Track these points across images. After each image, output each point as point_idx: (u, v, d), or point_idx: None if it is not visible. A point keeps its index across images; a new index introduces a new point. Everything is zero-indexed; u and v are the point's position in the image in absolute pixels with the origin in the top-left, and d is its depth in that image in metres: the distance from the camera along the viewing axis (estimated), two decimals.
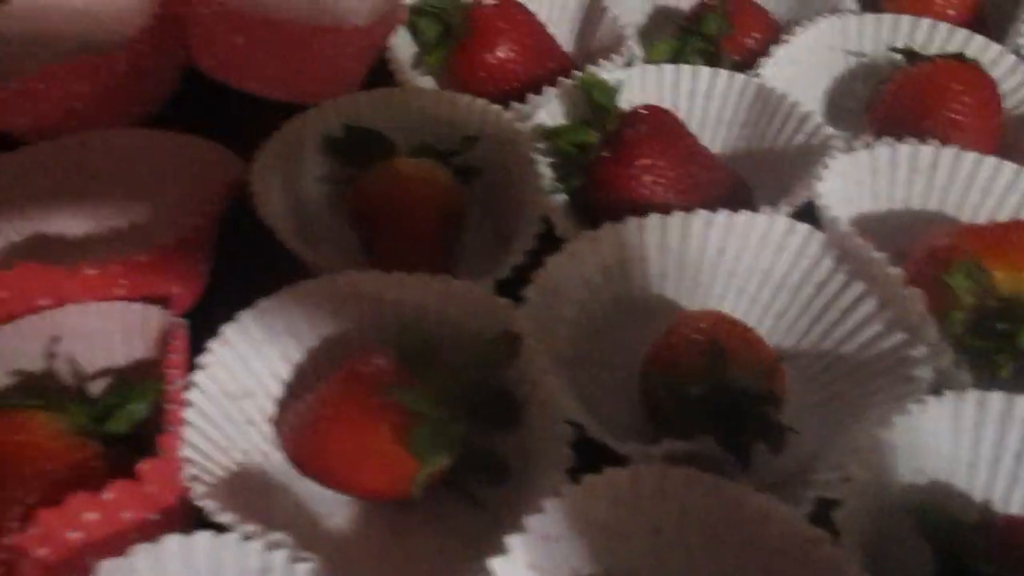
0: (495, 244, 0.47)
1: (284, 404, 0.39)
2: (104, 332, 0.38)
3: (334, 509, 0.37)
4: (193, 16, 0.49)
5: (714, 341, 0.36)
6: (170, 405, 0.33)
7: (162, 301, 0.40)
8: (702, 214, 0.42)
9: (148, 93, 0.51)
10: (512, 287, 0.40)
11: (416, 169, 0.45)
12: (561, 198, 0.47)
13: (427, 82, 0.56)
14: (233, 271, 0.45)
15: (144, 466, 0.30)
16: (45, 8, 0.54)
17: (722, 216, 0.42)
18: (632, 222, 0.42)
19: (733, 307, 0.43)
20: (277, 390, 0.39)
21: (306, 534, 0.35)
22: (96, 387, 0.38)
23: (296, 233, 0.44)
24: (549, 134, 0.48)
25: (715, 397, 0.35)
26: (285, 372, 0.39)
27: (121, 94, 0.49)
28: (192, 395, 0.35)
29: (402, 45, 0.56)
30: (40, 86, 0.46)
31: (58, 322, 0.38)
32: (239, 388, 0.37)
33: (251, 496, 0.35)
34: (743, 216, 0.42)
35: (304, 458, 0.36)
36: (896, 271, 0.39)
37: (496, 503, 0.35)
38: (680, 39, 0.57)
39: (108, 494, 0.30)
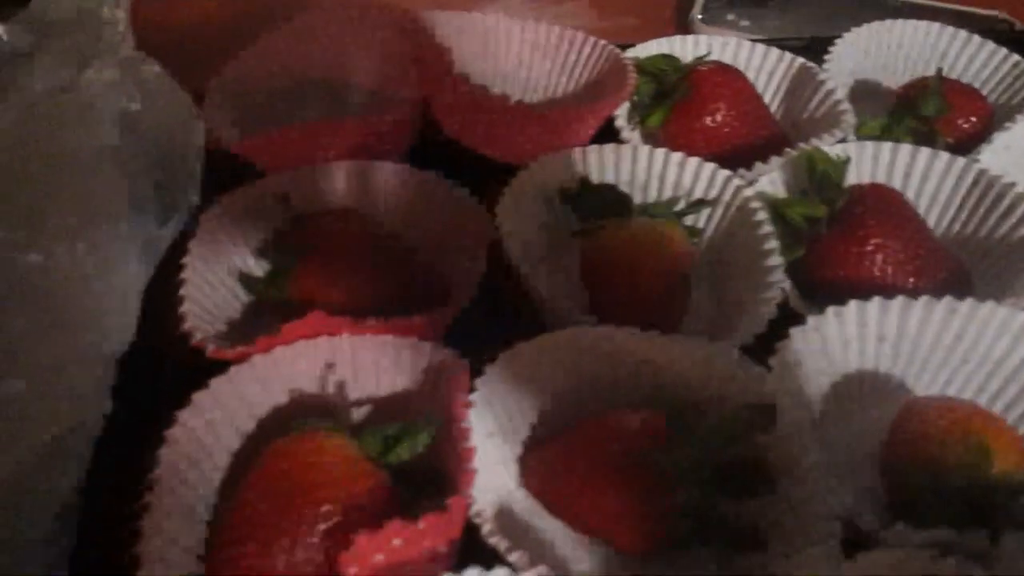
0: (720, 310, 0.48)
1: (530, 446, 0.40)
2: (375, 363, 0.40)
3: (579, 554, 0.38)
4: (446, 97, 0.53)
5: (976, 434, 0.37)
6: (463, 443, 0.35)
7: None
8: (947, 301, 0.42)
9: (393, 150, 0.54)
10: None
11: (657, 230, 0.46)
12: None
13: (637, 140, 0.58)
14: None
15: (451, 500, 0.32)
16: (297, 51, 0.58)
17: (965, 305, 0.42)
18: (877, 302, 0.42)
19: (959, 394, 0.44)
20: (524, 432, 0.41)
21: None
22: (363, 414, 0.40)
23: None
24: (779, 204, 0.49)
25: (973, 489, 0.36)
26: (532, 415, 0.41)
27: (372, 151, 0.51)
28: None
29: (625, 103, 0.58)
30: (305, 138, 0.49)
31: (333, 350, 0.40)
32: (495, 428, 0.39)
33: (510, 534, 0.37)
34: (986, 306, 0.43)
35: (560, 502, 0.38)
36: None
37: (743, 568, 0.36)
38: (892, 117, 0.58)
39: (420, 524, 0.31)
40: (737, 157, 0.54)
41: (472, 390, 0.38)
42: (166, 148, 0.48)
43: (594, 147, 0.52)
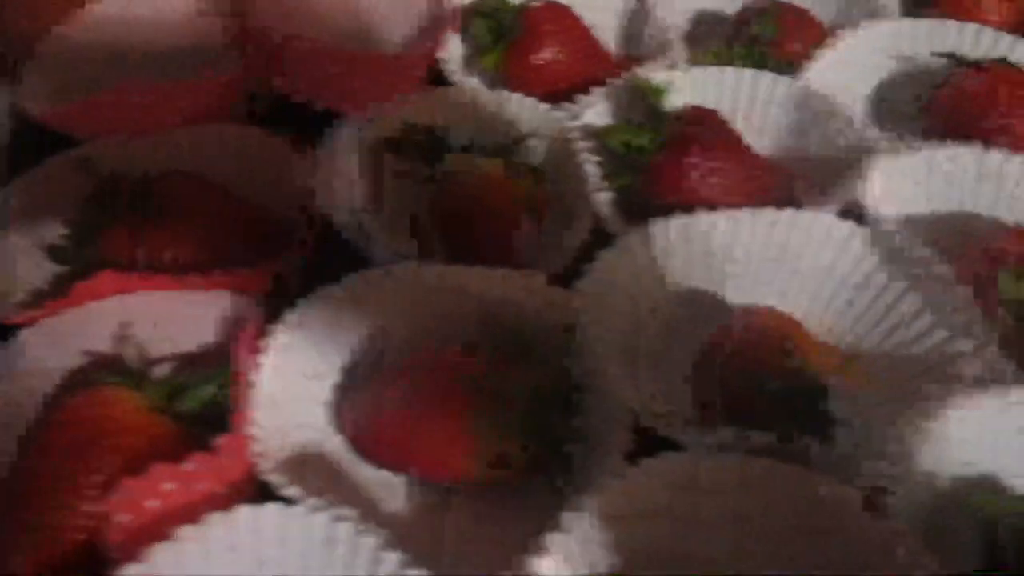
0: (544, 239, 0.48)
1: (347, 389, 0.40)
2: (175, 317, 0.39)
3: (393, 492, 0.38)
4: (285, 50, 0.51)
5: (774, 336, 0.37)
6: (240, 385, 0.34)
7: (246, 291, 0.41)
8: (748, 211, 0.43)
9: (223, 110, 0.52)
10: (565, 281, 0.41)
11: (481, 167, 0.46)
12: (609, 196, 0.48)
13: (477, 83, 0.57)
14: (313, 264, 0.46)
15: (220, 441, 0.32)
16: (122, 18, 0.56)
17: (768, 213, 0.43)
18: (681, 219, 0.43)
19: (780, 303, 0.44)
20: (339, 375, 0.40)
21: (365, 514, 0.36)
22: (166, 369, 0.39)
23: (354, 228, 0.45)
24: (600, 133, 0.49)
25: (773, 390, 0.36)
26: (347, 358, 0.40)
27: (198, 113, 0.50)
28: (259, 376, 0.36)
29: (454, 46, 0.57)
30: (122, 104, 0.48)
31: (129, 308, 0.39)
32: (303, 371, 0.39)
33: (313, 475, 0.37)
34: (789, 214, 0.43)
35: (370, 441, 0.37)
36: (944, 268, 0.40)
37: (558, 487, 0.36)
38: (726, 43, 0.58)
39: (187, 466, 0.31)
40: (571, 92, 0.53)
41: (272, 335, 0.38)
42: None
43: (420, 92, 0.51)
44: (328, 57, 0.51)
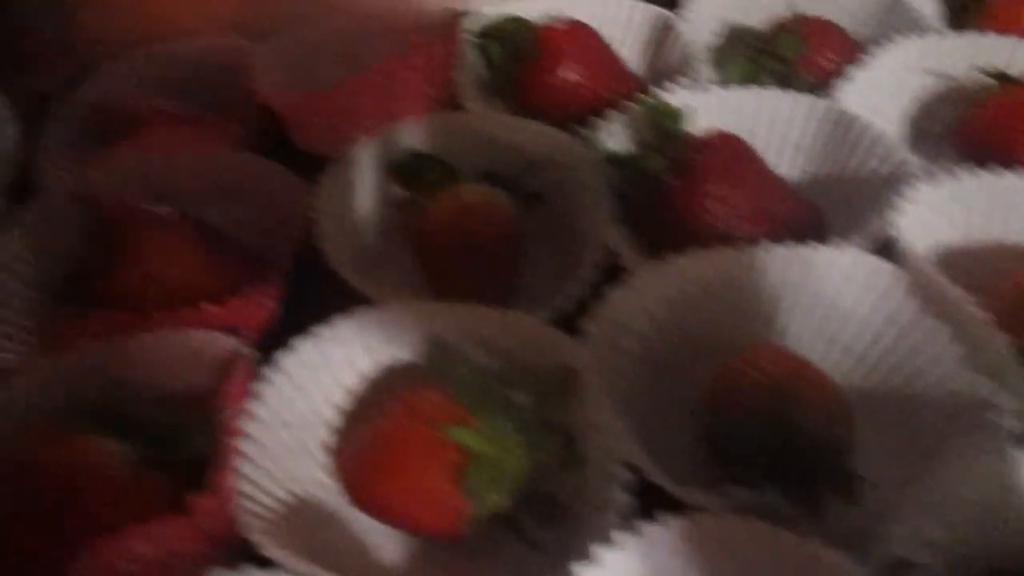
0: (558, 275, 0.46)
1: (341, 433, 0.39)
2: (168, 361, 0.38)
3: (388, 543, 0.36)
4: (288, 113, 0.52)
5: (777, 380, 0.35)
6: (225, 436, 0.33)
7: (231, 329, 0.40)
8: (766, 247, 0.40)
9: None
10: (575, 320, 0.39)
11: (476, 197, 0.44)
12: (627, 228, 0.46)
13: (496, 106, 0.55)
14: (306, 297, 0.44)
15: (195, 500, 0.30)
16: None
17: (787, 249, 0.40)
18: (698, 254, 0.40)
19: (801, 343, 0.41)
20: (335, 419, 0.39)
21: (357, 569, 0.35)
22: (160, 416, 0.38)
23: (360, 262, 0.44)
24: (614, 160, 0.47)
25: (779, 441, 0.34)
26: (342, 400, 0.39)
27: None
28: (247, 425, 0.35)
29: (470, 69, 0.55)
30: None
31: (121, 351, 0.38)
32: (295, 417, 0.37)
33: (304, 528, 0.35)
34: (809, 249, 0.40)
35: (357, 492, 0.36)
36: (979, 311, 0.37)
37: (553, 545, 0.34)
38: (754, 61, 0.55)
39: (160, 528, 0.30)
40: (594, 115, 0.51)
41: (261, 378, 0.36)
42: None
43: (428, 117, 0.50)
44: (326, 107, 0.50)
